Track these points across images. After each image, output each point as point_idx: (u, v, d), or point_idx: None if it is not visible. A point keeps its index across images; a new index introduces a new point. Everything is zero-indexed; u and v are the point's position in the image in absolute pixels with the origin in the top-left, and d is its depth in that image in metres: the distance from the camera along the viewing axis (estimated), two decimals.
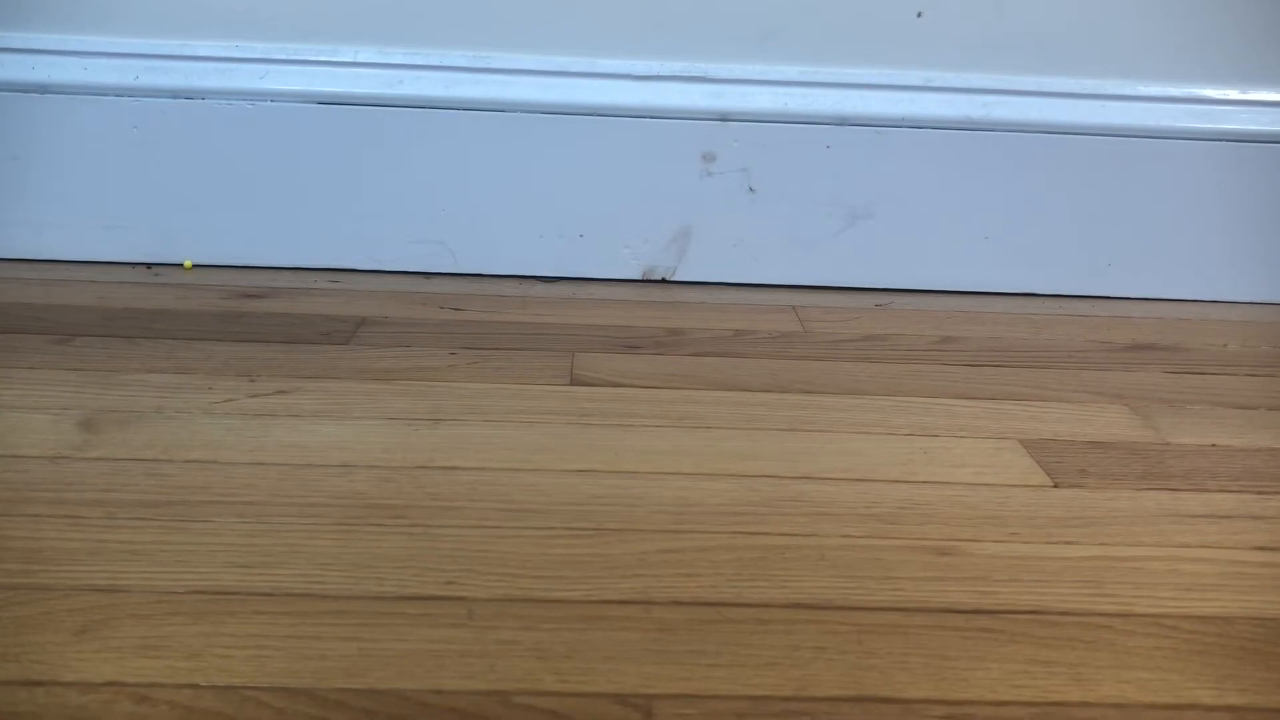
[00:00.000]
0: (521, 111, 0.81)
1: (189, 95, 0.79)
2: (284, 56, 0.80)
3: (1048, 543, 0.46)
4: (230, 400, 0.57)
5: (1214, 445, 0.57)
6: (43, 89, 0.79)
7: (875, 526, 0.47)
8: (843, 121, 0.82)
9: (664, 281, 0.85)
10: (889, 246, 0.85)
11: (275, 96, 0.80)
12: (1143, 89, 0.83)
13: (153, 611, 0.38)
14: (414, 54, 0.80)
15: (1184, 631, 0.40)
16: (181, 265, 0.83)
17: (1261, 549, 0.46)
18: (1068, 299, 0.86)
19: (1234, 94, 0.83)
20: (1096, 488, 0.51)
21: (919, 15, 0.81)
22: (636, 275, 0.85)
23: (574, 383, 0.62)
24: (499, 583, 0.41)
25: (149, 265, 0.83)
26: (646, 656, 0.37)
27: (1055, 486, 0.51)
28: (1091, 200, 0.84)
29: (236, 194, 0.81)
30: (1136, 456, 0.55)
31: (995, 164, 0.83)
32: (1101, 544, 0.46)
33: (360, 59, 0.80)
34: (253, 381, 0.60)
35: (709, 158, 0.82)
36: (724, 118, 0.81)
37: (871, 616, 0.40)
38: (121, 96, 0.79)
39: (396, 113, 0.80)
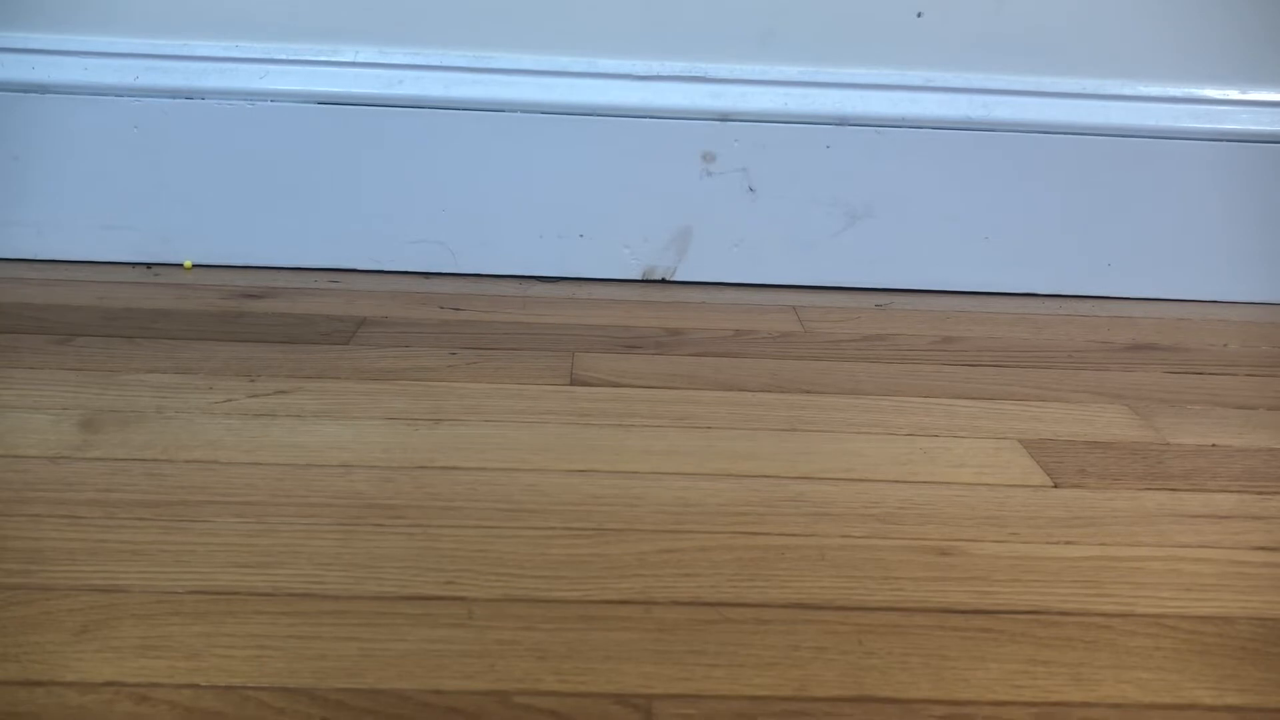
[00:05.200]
0: (522, 111, 0.81)
1: (189, 95, 0.79)
2: (284, 56, 0.80)
3: (1048, 543, 0.46)
4: (230, 400, 0.57)
5: (1214, 445, 0.57)
6: (43, 89, 0.79)
7: (875, 526, 0.47)
8: (843, 121, 0.82)
9: (664, 281, 0.85)
10: (889, 246, 0.85)
11: (275, 96, 0.80)
12: (1143, 89, 0.83)
13: (153, 611, 0.38)
14: (414, 54, 0.80)
15: (1184, 631, 0.40)
16: (181, 265, 0.83)
17: (1261, 549, 0.46)
18: (1068, 299, 0.86)
19: (1234, 94, 0.83)
20: (1096, 488, 0.51)
21: (919, 15, 0.81)
22: (636, 275, 0.85)
23: (574, 383, 0.62)
24: (499, 582, 0.41)
25: (149, 265, 0.83)
26: (646, 656, 0.37)
27: (1055, 486, 0.51)
28: (1092, 200, 0.84)
29: (236, 194, 0.81)
30: (1136, 456, 0.55)
31: (995, 164, 0.83)
32: (1101, 544, 0.46)
33: (360, 59, 0.80)
34: (253, 381, 0.60)
35: (709, 157, 0.82)
36: (724, 118, 0.81)
37: (871, 616, 0.40)
38: (121, 96, 0.79)
39: (396, 113, 0.80)
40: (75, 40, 0.79)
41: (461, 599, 0.40)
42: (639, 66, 0.81)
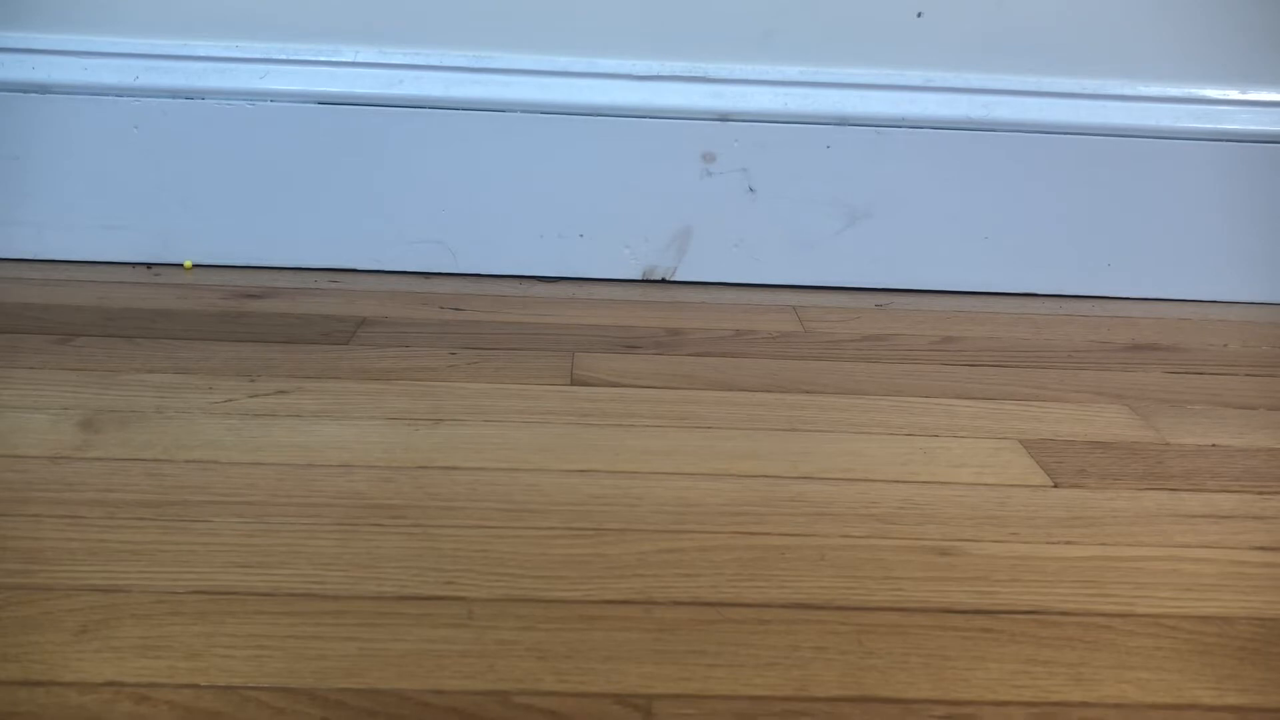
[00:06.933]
0: (521, 111, 0.81)
1: (189, 95, 0.79)
2: (284, 56, 0.80)
3: (1048, 543, 0.46)
4: (230, 400, 0.57)
5: (1214, 445, 0.57)
6: (43, 89, 0.79)
7: (875, 526, 0.47)
8: (843, 121, 0.82)
9: (664, 281, 0.85)
10: (889, 246, 0.85)
11: (275, 96, 0.80)
12: (1143, 89, 0.83)
13: (153, 611, 0.38)
14: (414, 54, 0.80)
15: (1184, 631, 0.40)
16: (181, 265, 0.83)
17: (1261, 549, 0.46)
18: (1068, 299, 0.86)
19: (1234, 94, 0.83)
20: (1096, 488, 0.51)
21: (919, 15, 0.81)
22: (636, 275, 0.85)
23: (574, 383, 0.62)
24: (499, 583, 0.41)
25: (149, 265, 0.83)
26: (646, 656, 0.37)
27: (1055, 486, 0.51)
28: (1092, 200, 0.84)
29: (236, 194, 0.81)
30: (1136, 456, 0.55)
31: (995, 164, 0.83)
32: (1101, 544, 0.46)
33: (360, 59, 0.80)
34: (253, 381, 0.60)
35: (709, 158, 0.82)
36: (724, 118, 0.81)
37: (871, 616, 0.40)
38: (121, 96, 0.79)
39: (397, 113, 0.80)
40: (75, 40, 0.79)
41: (461, 599, 0.40)
42: (639, 66, 0.81)
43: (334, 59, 0.80)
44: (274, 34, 0.80)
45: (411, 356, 0.66)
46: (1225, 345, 0.76)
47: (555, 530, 0.45)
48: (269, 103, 0.80)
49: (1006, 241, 0.85)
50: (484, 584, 0.41)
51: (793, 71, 0.82)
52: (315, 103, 0.80)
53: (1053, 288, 0.86)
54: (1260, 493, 0.52)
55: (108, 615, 0.38)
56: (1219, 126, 0.82)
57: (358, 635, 0.38)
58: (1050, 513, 0.49)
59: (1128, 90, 0.83)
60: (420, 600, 0.40)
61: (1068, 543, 0.46)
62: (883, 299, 0.84)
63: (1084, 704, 0.36)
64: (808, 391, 0.63)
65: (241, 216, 0.82)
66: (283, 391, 0.59)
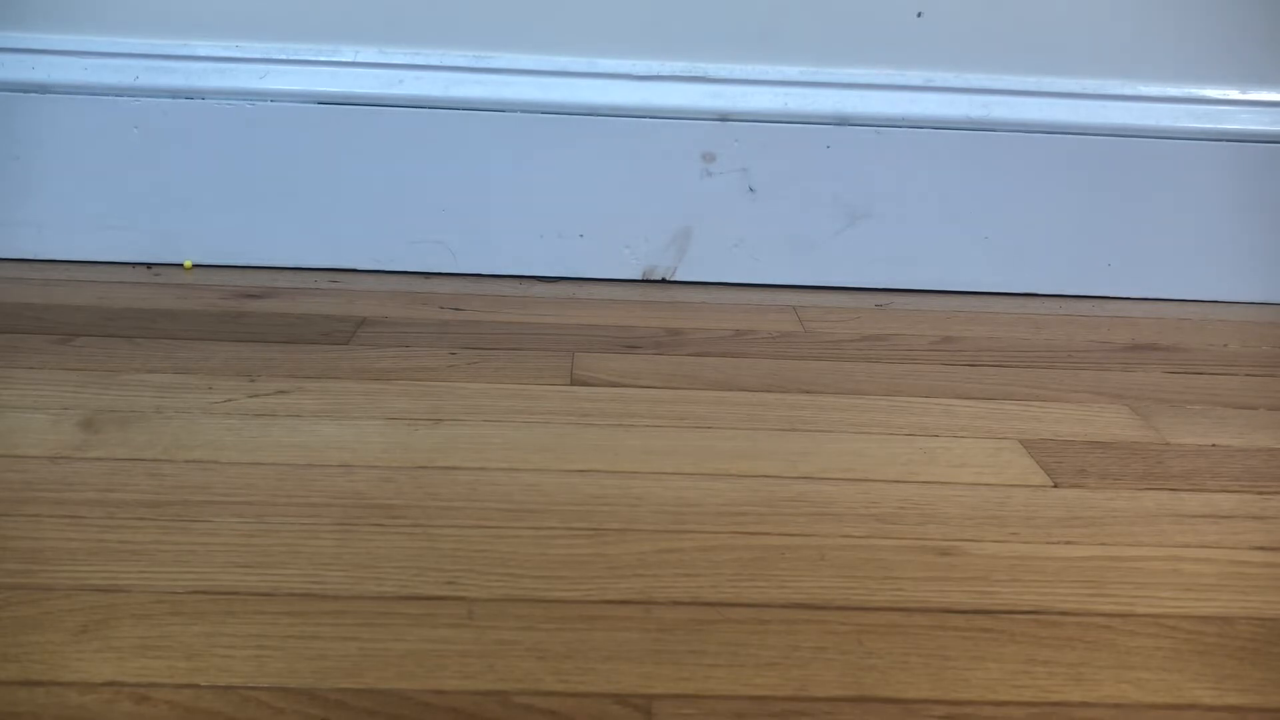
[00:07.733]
0: (521, 111, 0.81)
1: (189, 95, 0.79)
2: (284, 56, 0.80)
3: (1048, 543, 0.46)
4: (230, 400, 0.57)
5: (1214, 445, 0.57)
6: (43, 89, 0.79)
7: (875, 526, 0.47)
8: (843, 121, 0.82)
9: (664, 281, 0.85)
10: (889, 246, 0.85)
11: (275, 96, 0.80)
12: (1143, 89, 0.83)
13: (153, 611, 0.38)
14: (414, 54, 0.80)
15: (1184, 631, 0.40)
16: (181, 265, 0.83)
17: (1261, 549, 0.46)
18: (1068, 299, 0.86)
19: (1234, 94, 0.83)
20: (1096, 488, 0.51)
21: (919, 15, 0.81)
22: (636, 275, 0.85)
23: (574, 383, 0.62)
24: (499, 583, 0.41)
25: (149, 265, 0.83)
26: (646, 656, 0.37)
27: (1055, 486, 0.51)
28: (1092, 200, 0.84)
29: (236, 194, 0.81)
30: (1136, 456, 0.55)
31: (995, 164, 0.83)
32: (1101, 544, 0.46)
33: (360, 59, 0.80)
34: (253, 381, 0.60)
35: (709, 158, 0.82)
36: (724, 118, 0.81)
37: (871, 616, 0.40)
38: (121, 96, 0.79)
39: (396, 113, 0.80)
40: (75, 40, 0.79)
41: (462, 599, 0.40)
42: (639, 66, 0.81)
43: (334, 59, 0.80)
44: (274, 34, 0.80)
45: (411, 356, 0.66)
46: (1225, 345, 0.76)
47: (555, 530, 0.45)
48: (269, 103, 0.80)
49: (1006, 241, 0.85)
50: (484, 584, 0.41)
51: (793, 71, 0.82)
52: (315, 103, 0.80)
53: (1053, 288, 0.86)
54: (1260, 493, 0.52)
55: (108, 615, 0.38)
56: (1219, 126, 0.82)
57: (358, 635, 0.38)
58: (1050, 513, 0.49)
59: (1128, 90, 0.83)
60: (420, 600, 0.40)
61: (1068, 543, 0.46)
62: (883, 299, 0.84)
63: (1084, 704, 0.36)
64: (808, 391, 0.63)
65: (241, 216, 0.82)
66: (283, 391, 0.59)
